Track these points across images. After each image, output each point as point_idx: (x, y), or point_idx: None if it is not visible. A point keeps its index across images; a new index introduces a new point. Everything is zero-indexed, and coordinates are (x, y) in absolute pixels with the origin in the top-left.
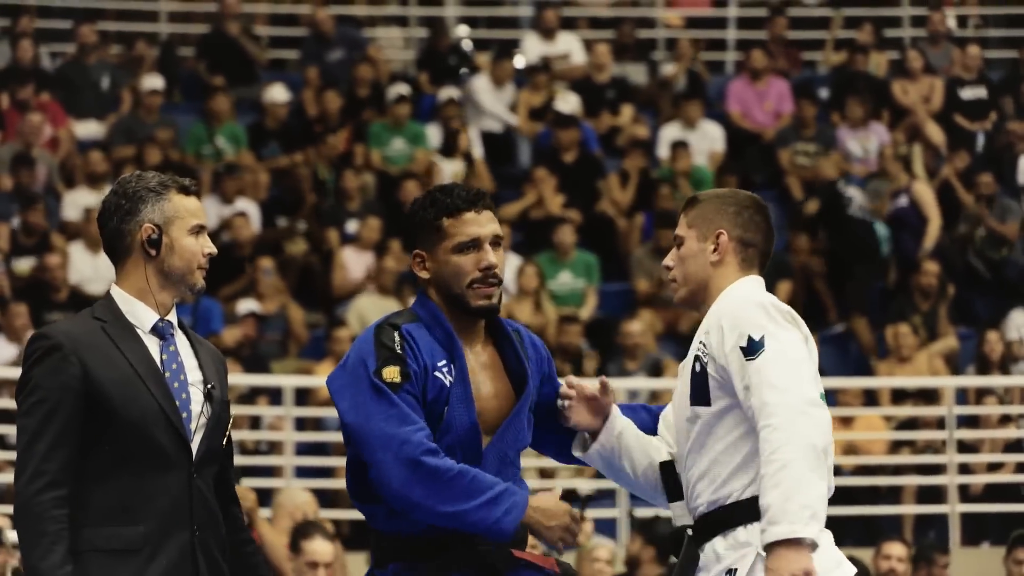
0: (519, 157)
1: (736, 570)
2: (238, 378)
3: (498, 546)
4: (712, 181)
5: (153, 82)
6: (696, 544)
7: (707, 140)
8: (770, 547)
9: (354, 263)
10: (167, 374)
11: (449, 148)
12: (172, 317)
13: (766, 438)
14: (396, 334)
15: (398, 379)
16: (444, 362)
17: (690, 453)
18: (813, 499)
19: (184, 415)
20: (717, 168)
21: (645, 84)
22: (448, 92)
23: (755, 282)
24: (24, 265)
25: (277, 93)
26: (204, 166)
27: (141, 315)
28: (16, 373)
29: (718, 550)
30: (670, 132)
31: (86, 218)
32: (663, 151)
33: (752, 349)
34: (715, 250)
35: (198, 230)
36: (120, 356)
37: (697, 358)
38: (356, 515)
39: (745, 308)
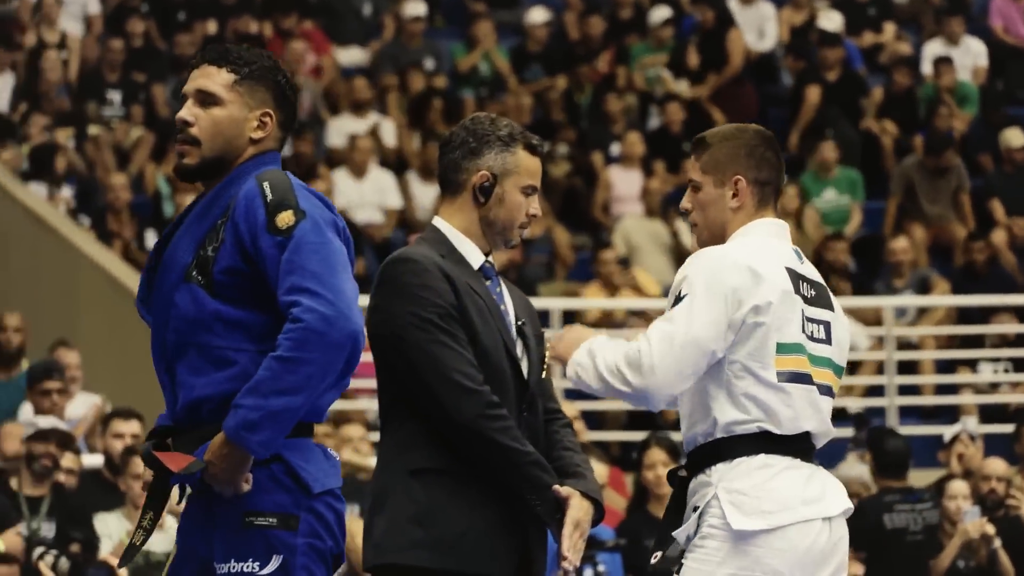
0: (782, 76)
1: (698, 507)
2: None
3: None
4: (977, 97)
5: (415, 8)
6: (685, 481)
7: (970, 56)
8: None
9: (621, 182)
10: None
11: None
12: (492, 259)
13: None
14: None
15: None
16: None
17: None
18: None
19: (518, 351)
20: (981, 84)
21: (907, 1)
22: (703, 12)
23: (763, 227)
24: None
25: (538, 15)
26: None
27: (471, 253)
28: None
29: (692, 487)
30: (933, 48)
31: (351, 145)
32: (926, 68)
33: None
34: (735, 196)
35: (530, 190)
36: (469, 287)
37: (677, 297)
38: (627, 436)
39: (707, 260)
